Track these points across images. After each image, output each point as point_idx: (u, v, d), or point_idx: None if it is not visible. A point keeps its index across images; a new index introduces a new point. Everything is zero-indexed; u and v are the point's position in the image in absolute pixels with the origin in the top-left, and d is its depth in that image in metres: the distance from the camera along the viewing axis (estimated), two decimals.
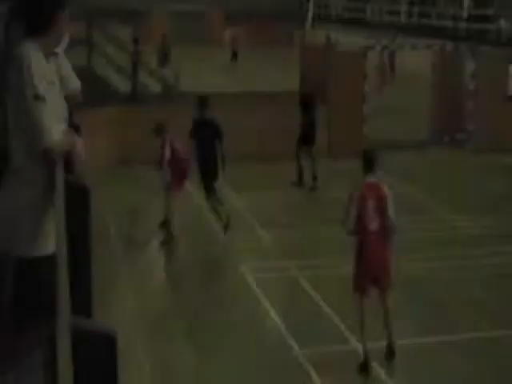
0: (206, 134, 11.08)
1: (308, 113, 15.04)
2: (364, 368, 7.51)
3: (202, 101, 11.29)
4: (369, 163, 7.55)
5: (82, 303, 3.40)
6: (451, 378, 7.52)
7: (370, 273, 7.54)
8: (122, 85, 20.07)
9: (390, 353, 7.70)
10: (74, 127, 3.80)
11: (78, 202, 3.57)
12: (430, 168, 16.51)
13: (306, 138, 14.87)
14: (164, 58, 22.51)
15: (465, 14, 33.56)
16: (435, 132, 19.14)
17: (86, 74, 17.87)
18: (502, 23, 30.78)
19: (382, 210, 7.38)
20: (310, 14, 46.06)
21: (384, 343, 7.72)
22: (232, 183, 14.47)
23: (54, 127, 3.43)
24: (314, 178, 14.67)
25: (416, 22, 36.79)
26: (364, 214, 7.39)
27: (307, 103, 15.12)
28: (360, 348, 7.70)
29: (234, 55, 37.33)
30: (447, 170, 16.45)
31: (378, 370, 7.60)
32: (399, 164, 16.42)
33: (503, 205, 13.52)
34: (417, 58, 27.37)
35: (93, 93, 16.84)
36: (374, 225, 7.40)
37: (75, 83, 3.95)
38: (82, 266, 3.74)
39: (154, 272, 10.60)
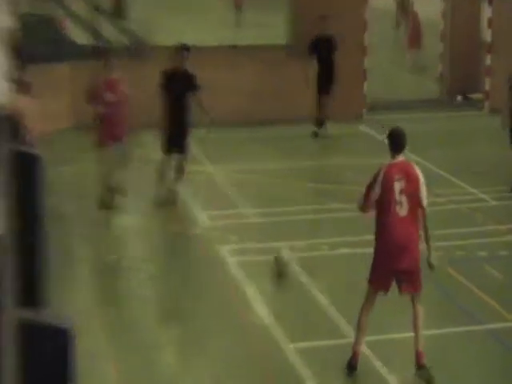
0: (179, 87, 11.11)
1: (325, 59, 15.60)
2: (351, 368, 7.51)
3: (181, 49, 11.36)
4: (397, 142, 7.51)
5: (35, 291, 3.39)
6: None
7: (393, 265, 7.33)
8: (81, 37, 19.88)
9: (418, 367, 7.35)
10: (22, 85, 3.76)
11: (27, 174, 3.54)
12: (440, 134, 16.52)
13: (325, 88, 15.73)
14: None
15: None
16: (447, 91, 19.16)
17: (42, 25, 17.70)
18: None
19: (412, 194, 7.31)
20: None
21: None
22: (213, 152, 14.52)
23: None
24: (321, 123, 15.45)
25: None
26: (390, 198, 7.29)
27: (325, 48, 15.60)
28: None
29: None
30: (460, 134, 16.48)
31: (376, 364, 7.69)
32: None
33: None
34: (425, 4, 27.35)
35: (48, 46, 16.79)
36: (401, 210, 7.30)
37: None
38: (35, 248, 3.72)
39: (118, 253, 10.58)
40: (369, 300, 7.47)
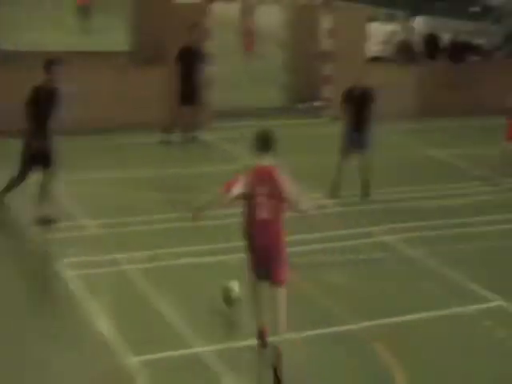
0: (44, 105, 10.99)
1: (189, 69, 15.53)
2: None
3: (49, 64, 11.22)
4: (264, 144, 7.68)
5: None
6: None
7: (260, 262, 7.70)
8: None
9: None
10: None
11: None
12: (283, 140, 16.73)
13: (188, 98, 15.77)
14: None
15: None
16: (289, 99, 19.53)
17: None
18: None
19: (273, 197, 7.53)
20: None
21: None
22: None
23: None
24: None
25: None
26: (254, 202, 7.53)
27: (190, 57, 15.51)
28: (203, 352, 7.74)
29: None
30: (301, 141, 16.82)
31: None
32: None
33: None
34: (268, 14, 27.84)
35: None
36: (264, 213, 7.54)
37: None
38: None
39: None
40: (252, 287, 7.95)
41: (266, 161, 7.65)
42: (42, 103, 11.13)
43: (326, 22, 18.64)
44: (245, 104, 18.87)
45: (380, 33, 20.96)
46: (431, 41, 20.13)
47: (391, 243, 11.12)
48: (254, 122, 17.51)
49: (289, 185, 7.56)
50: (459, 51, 19.74)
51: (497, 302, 9.36)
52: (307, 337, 8.46)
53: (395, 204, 12.81)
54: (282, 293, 7.67)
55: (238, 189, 7.55)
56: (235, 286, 9.00)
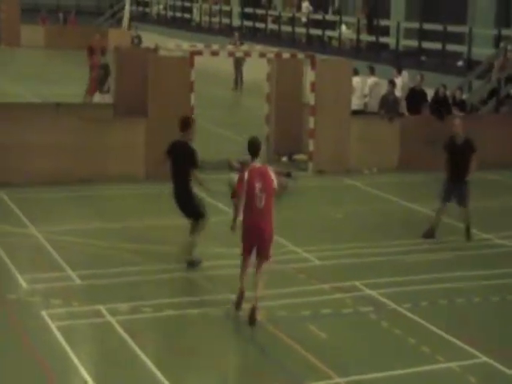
0: None
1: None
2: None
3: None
4: (254, 150, 10.29)
5: None
6: None
7: (251, 240, 10.25)
8: None
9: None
10: None
11: None
12: None
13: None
14: None
15: (304, 19, 35.12)
16: (273, 151, 19.83)
17: None
18: (344, 30, 32.53)
19: (267, 191, 10.11)
20: (127, 12, 46.26)
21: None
22: (32, 213, 14.34)
23: None
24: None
25: (250, 25, 38.01)
26: (252, 194, 10.06)
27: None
28: None
29: None
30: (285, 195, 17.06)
31: None
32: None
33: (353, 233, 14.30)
34: (252, 66, 28.37)
35: None
36: (260, 203, 10.08)
37: None
38: None
39: None
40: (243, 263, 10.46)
41: (259, 162, 10.29)
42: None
43: (309, 75, 19.04)
44: (227, 156, 19.10)
45: (363, 86, 21.38)
46: (415, 95, 20.56)
47: (375, 297, 11.30)
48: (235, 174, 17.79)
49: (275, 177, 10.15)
50: (443, 106, 20.18)
51: (482, 359, 9.50)
52: None
53: (379, 258, 13.02)
54: (265, 266, 10.25)
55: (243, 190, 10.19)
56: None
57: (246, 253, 10.40)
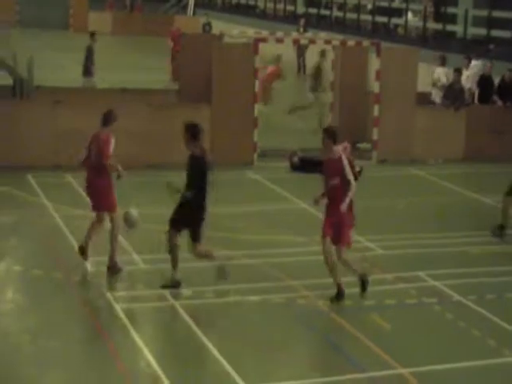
0: None
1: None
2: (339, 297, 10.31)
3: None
4: (334, 137, 10.54)
5: None
6: None
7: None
8: None
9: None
10: None
11: None
12: None
13: None
14: None
15: (369, 6, 34.75)
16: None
17: None
18: (410, 17, 32.10)
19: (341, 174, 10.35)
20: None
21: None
22: None
23: None
24: None
25: (315, 12, 37.78)
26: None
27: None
28: None
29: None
30: None
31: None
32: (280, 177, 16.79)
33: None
34: (315, 55, 28.17)
35: None
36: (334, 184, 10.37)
37: None
38: None
39: None
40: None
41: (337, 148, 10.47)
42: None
43: (375, 64, 18.84)
44: (291, 145, 19.06)
45: (431, 75, 21.01)
46: (485, 84, 20.13)
47: (439, 288, 11.14)
48: None
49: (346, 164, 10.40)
50: (508, 91, 19.72)
51: None
52: (349, 380, 8.55)
53: (443, 249, 12.83)
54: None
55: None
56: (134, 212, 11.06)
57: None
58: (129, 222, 11.01)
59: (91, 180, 11.33)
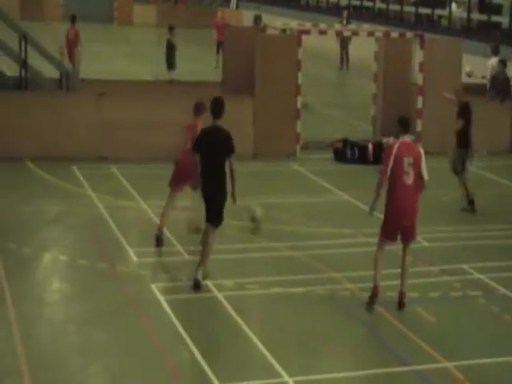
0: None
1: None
2: (372, 301, 9.82)
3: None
4: (405, 125, 9.90)
5: None
6: None
7: (399, 222, 9.81)
8: (10, 69, 19.76)
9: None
10: None
11: None
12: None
13: None
14: None
15: None
16: (380, 132, 19.49)
17: None
18: (454, 8, 31.66)
19: (415, 167, 9.69)
20: None
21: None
22: (144, 188, 14.54)
23: None
24: None
25: (358, 4, 37.50)
26: (399, 169, 9.65)
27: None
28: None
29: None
30: None
31: None
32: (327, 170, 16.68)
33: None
34: (359, 45, 27.97)
35: None
36: (408, 179, 9.69)
37: None
38: None
39: (45, 288, 10.44)
40: (381, 248, 9.96)
41: (408, 138, 9.88)
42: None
43: (418, 55, 18.60)
44: (333, 136, 18.93)
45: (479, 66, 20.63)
46: None
47: (484, 281, 10.97)
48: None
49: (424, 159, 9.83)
50: None
51: None
52: (393, 373, 8.45)
53: (487, 241, 12.64)
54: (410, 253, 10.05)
55: (389, 165, 9.70)
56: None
57: (390, 237, 9.98)
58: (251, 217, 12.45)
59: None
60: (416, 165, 9.75)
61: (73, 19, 23.95)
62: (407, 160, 9.71)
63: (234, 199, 10.56)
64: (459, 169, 14.40)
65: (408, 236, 9.95)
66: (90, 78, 18.96)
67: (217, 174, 10.45)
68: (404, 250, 10.01)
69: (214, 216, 10.48)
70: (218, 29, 28.47)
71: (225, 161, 10.50)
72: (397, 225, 9.87)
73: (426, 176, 9.83)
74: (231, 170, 10.52)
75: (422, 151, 9.88)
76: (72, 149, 16.48)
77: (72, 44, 23.55)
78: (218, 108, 10.58)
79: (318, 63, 24.48)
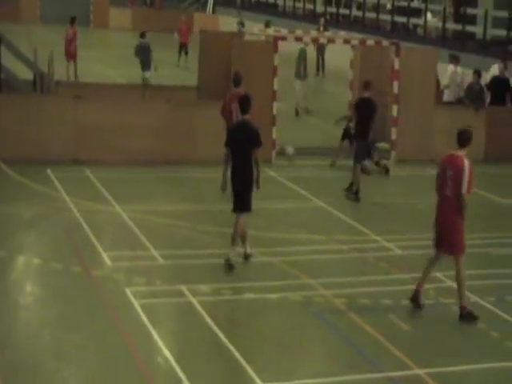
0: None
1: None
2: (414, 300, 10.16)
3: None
4: (458, 139, 10.19)
5: None
6: None
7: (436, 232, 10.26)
8: None
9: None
10: None
11: None
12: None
13: None
14: None
15: (389, 5, 34.61)
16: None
17: None
18: (430, 18, 31.93)
19: (456, 180, 9.94)
20: None
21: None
22: (119, 192, 14.52)
23: None
24: None
25: (334, 11, 37.67)
26: (443, 180, 10.08)
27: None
28: None
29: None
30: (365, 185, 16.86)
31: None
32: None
33: None
34: (335, 52, 28.12)
35: None
36: (448, 191, 10.01)
37: None
38: None
39: (16, 293, 10.39)
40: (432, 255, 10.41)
41: (459, 152, 10.13)
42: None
43: (393, 63, 18.73)
44: (307, 143, 19.01)
45: (446, 75, 20.85)
46: (498, 84, 19.96)
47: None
48: (316, 161, 17.71)
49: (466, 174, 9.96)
50: None
51: None
52: (366, 379, 8.50)
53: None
54: (458, 260, 10.20)
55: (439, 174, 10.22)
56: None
57: (435, 246, 10.37)
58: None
59: None
60: (456, 177, 10.02)
61: (72, 21, 25.60)
62: (449, 172, 10.08)
63: (258, 186, 11.35)
64: (359, 159, 15.39)
65: (446, 248, 10.27)
66: (65, 81, 18.90)
67: (246, 167, 11.24)
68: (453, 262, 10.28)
69: (242, 206, 11.32)
70: (181, 32, 31.38)
71: (252, 154, 11.25)
72: (435, 234, 10.34)
73: (463, 189, 10.01)
74: (256, 160, 11.27)
75: (466, 164, 10.03)
76: (46, 152, 16.41)
77: (70, 44, 25.11)
78: (245, 104, 11.48)
79: (294, 69, 24.64)
